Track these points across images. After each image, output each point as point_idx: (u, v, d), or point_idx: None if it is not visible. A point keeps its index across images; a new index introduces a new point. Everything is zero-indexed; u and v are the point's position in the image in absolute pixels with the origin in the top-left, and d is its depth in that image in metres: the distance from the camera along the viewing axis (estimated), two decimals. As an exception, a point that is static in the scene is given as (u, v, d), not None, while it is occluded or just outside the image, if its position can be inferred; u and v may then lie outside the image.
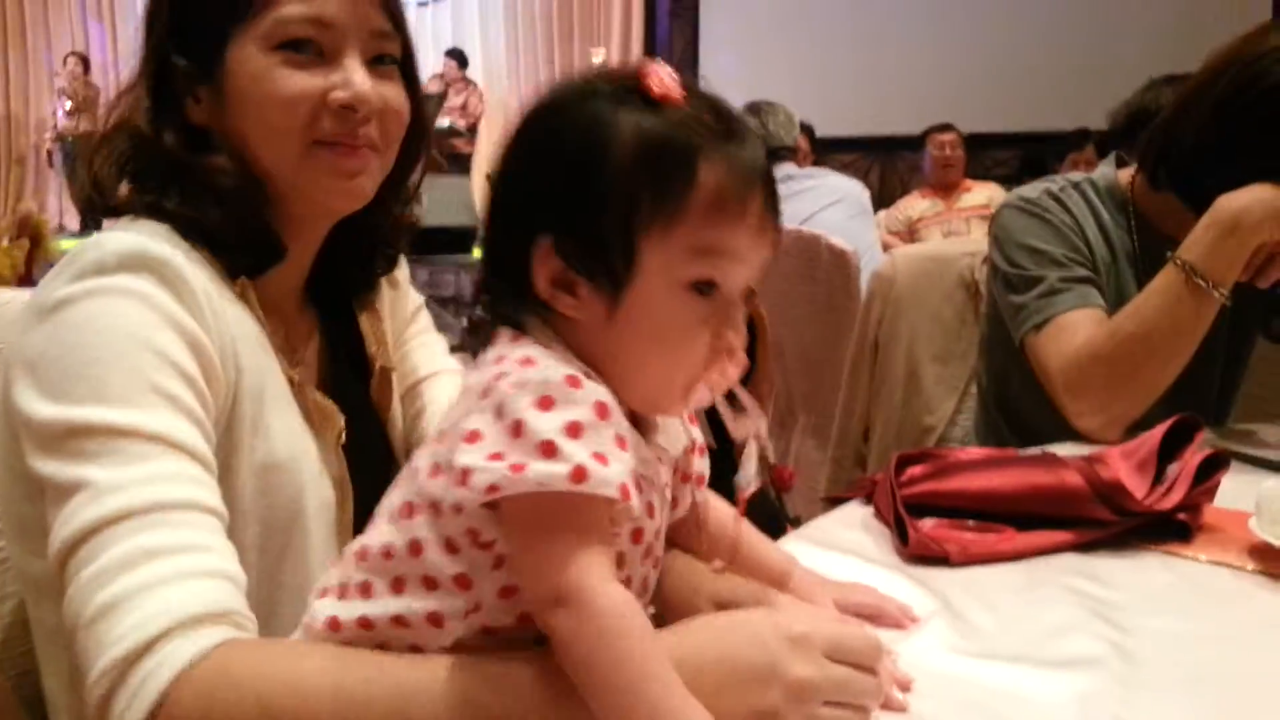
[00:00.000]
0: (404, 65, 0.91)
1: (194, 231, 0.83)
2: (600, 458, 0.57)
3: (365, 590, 0.65)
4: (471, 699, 0.59)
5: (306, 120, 0.84)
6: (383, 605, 0.64)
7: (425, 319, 1.11)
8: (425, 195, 1.04)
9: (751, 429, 0.68)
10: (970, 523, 0.98)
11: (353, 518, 0.91)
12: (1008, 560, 0.92)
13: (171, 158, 0.85)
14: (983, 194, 5.04)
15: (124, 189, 0.86)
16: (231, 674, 0.61)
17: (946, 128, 5.23)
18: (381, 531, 0.66)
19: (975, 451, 1.15)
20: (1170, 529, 0.97)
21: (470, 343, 0.92)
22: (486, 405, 0.60)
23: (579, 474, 0.56)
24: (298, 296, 0.97)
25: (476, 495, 0.58)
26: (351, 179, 0.87)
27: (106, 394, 0.71)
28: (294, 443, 0.86)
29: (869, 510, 1.06)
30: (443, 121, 7.43)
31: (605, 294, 0.62)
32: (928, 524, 0.98)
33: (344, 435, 0.91)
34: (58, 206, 9.63)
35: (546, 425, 0.57)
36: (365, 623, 0.64)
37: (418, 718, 0.59)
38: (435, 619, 0.63)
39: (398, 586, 0.64)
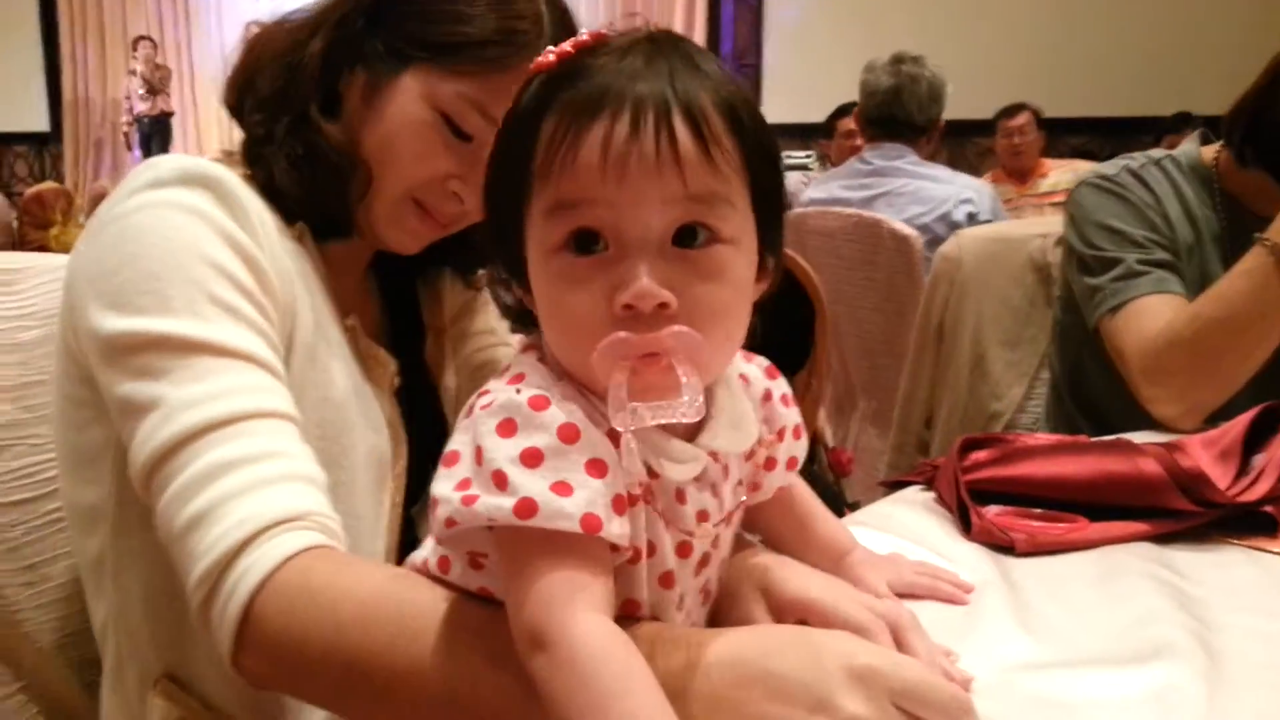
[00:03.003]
0: None
1: (261, 183, 0.85)
2: (561, 487, 0.53)
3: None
4: None
5: (420, 183, 0.86)
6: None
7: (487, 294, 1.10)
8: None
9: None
10: (1038, 510, 0.93)
11: (406, 469, 0.92)
12: (1077, 550, 0.87)
13: (301, 95, 0.86)
14: (1062, 177, 4.79)
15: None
16: (310, 584, 0.63)
17: (1017, 110, 4.99)
18: (425, 546, 0.65)
19: (1044, 437, 1.09)
20: (1255, 522, 0.90)
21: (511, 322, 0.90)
22: (467, 425, 0.57)
23: (526, 508, 0.52)
24: (362, 266, 0.98)
25: (439, 528, 0.56)
26: (417, 240, 0.91)
27: (171, 306, 0.72)
28: (347, 384, 0.86)
29: (930, 495, 1.01)
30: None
31: (525, 283, 0.60)
32: (992, 511, 0.93)
33: (398, 381, 0.92)
34: (133, 187, 9.82)
35: (502, 453, 0.53)
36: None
37: (466, 654, 0.58)
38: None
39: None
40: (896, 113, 2.72)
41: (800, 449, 0.71)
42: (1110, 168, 1.46)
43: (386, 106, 0.85)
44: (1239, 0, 6.84)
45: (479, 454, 0.54)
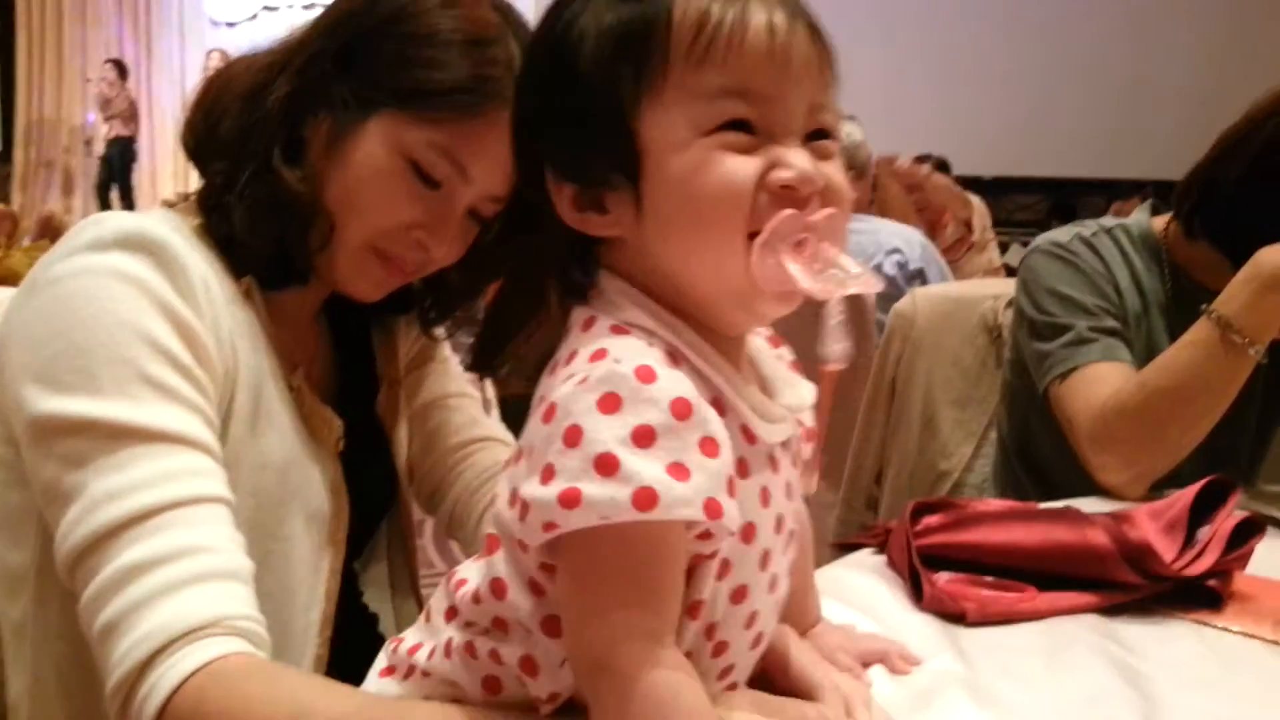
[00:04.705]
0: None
1: (218, 233, 0.83)
2: (678, 469, 0.48)
3: (468, 625, 0.59)
4: None
5: (384, 232, 0.84)
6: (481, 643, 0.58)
7: (444, 343, 1.08)
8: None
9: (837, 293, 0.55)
10: (988, 579, 0.93)
11: (347, 531, 0.90)
12: (1027, 620, 0.87)
13: (264, 141, 0.83)
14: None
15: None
16: (202, 712, 0.61)
17: (919, 162, 4.83)
18: (472, 570, 0.61)
19: (995, 503, 1.10)
20: (1200, 596, 0.91)
21: (471, 363, 0.89)
22: (546, 409, 0.52)
23: (645, 497, 0.47)
24: (312, 312, 0.96)
25: (535, 535, 0.50)
26: (380, 288, 0.89)
27: (100, 387, 0.70)
28: (288, 448, 0.84)
29: (881, 559, 1.01)
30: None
31: (625, 191, 0.56)
32: (943, 577, 0.93)
33: (342, 443, 0.89)
34: (82, 210, 9.72)
35: (608, 432, 0.48)
36: (470, 649, 0.59)
37: None
38: (529, 665, 0.56)
39: (500, 626, 0.57)
40: None
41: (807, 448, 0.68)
42: (1063, 235, 1.48)
43: (352, 154, 0.83)
44: (1185, 69, 7.07)
45: (574, 435, 0.48)
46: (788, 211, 0.53)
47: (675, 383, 0.50)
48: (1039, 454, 1.54)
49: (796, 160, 0.54)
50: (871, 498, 1.98)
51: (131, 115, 9.27)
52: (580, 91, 0.56)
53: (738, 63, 0.54)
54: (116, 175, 9.19)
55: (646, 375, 0.49)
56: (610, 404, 0.48)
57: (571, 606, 0.52)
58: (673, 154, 0.55)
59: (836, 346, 0.60)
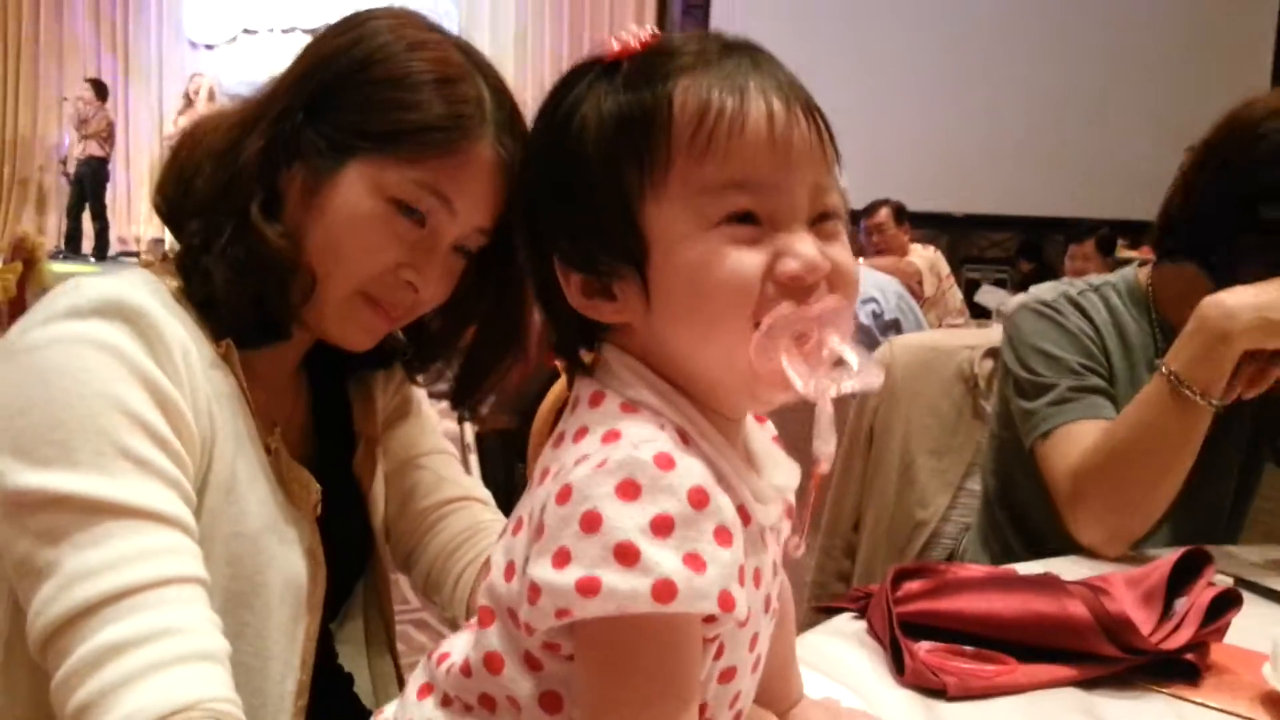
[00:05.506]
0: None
1: (197, 295, 0.82)
2: (694, 560, 0.48)
3: (446, 702, 0.59)
4: None
5: (372, 276, 0.84)
6: None
7: (420, 394, 1.08)
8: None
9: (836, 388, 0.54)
10: (968, 649, 0.93)
11: (324, 595, 0.89)
12: (1007, 694, 0.87)
13: (241, 197, 0.82)
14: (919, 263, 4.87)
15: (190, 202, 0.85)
16: None
17: (876, 207, 4.98)
18: (458, 643, 0.60)
19: (976, 569, 1.10)
20: (1177, 668, 0.92)
21: (451, 402, 0.88)
22: (557, 490, 0.51)
23: (665, 590, 0.47)
24: (292, 368, 0.95)
25: (546, 619, 0.50)
26: (371, 335, 0.88)
27: (76, 460, 0.69)
28: (265, 513, 0.83)
29: (861, 625, 1.01)
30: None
31: (632, 280, 0.56)
32: (924, 647, 0.93)
33: (320, 507, 0.88)
34: (57, 230, 9.64)
35: (628, 520, 0.48)
36: None
37: None
38: None
39: (487, 703, 0.57)
40: None
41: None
42: (1049, 293, 1.48)
43: (330, 201, 0.82)
44: (1150, 114, 7.18)
45: (593, 520, 0.48)
46: (785, 306, 0.53)
47: (692, 470, 0.50)
48: (1023, 507, 1.54)
49: (802, 249, 0.55)
50: (850, 546, 1.98)
51: (108, 135, 9.23)
52: (584, 183, 0.57)
53: (739, 155, 0.54)
54: (89, 196, 9.13)
55: (665, 463, 0.50)
56: (629, 491, 0.49)
57: (600, 695, 0.51)
58: (679, 247, 0.55)
59: (826, 446, 0.59)
